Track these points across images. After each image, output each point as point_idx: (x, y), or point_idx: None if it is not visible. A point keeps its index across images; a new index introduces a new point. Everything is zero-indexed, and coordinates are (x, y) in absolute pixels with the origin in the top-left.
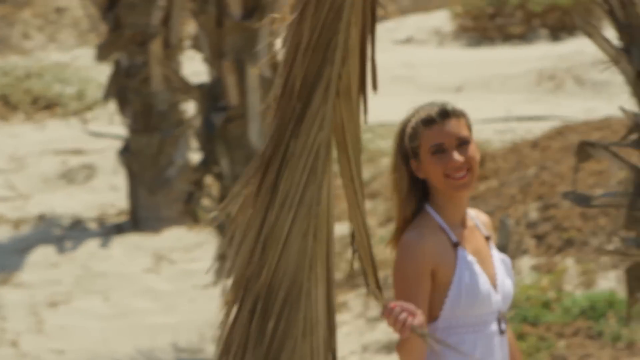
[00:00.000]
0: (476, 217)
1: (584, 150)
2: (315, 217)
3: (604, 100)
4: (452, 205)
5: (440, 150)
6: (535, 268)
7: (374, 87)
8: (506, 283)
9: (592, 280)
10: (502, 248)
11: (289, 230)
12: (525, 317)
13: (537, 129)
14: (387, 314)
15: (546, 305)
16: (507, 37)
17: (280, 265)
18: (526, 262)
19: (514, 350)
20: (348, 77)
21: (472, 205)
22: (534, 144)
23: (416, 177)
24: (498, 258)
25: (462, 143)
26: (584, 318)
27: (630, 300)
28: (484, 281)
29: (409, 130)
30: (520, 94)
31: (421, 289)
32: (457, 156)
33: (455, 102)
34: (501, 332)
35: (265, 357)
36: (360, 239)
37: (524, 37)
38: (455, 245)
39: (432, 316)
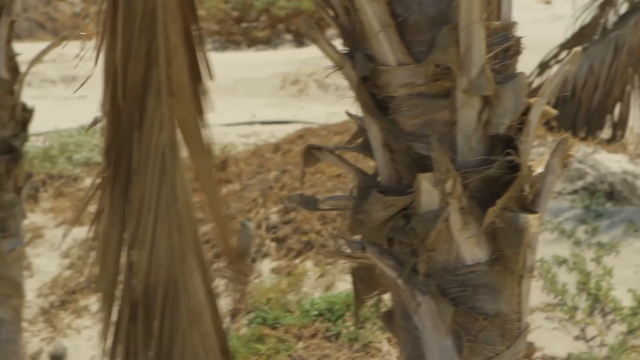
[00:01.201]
0: None
1: (311, 154)
2: (176, 214)
3: (346, 105)
4: None
5: None
6: (276, 271)
7: (209, 79)
8: None
9: (330, 282)
10: (243, 252)
11: (153, 232)
12: (265, 319)
13: (281, 133)
14: None
15: (285, 307)
16: (253, 42)
17: (152, 267)
18: (267, 265)
19: None
20: (177, 76)
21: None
22: (276, 148)
23: None
24: None
25: None
26: (322, 320)
27: (357, 302)
28: None
29: None
30: (265, 98)
31: None
32: None
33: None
34: None
35: (157, 357)
36: (219, 229)
37: (269, 42)
38: None
39: None
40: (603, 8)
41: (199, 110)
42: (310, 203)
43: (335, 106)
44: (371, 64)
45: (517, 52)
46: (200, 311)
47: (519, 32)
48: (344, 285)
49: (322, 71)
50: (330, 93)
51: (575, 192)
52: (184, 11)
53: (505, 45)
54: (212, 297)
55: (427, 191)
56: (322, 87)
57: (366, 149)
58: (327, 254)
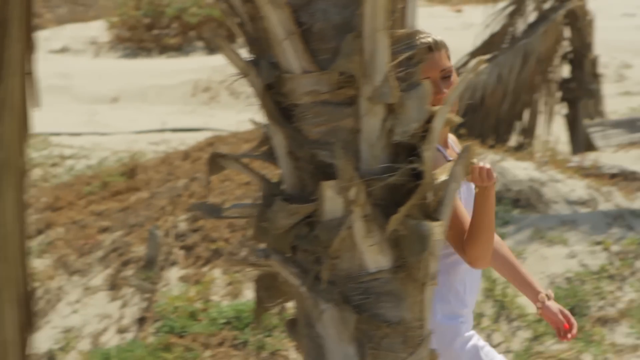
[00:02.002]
0: (449, 137)
1: (216, 162)
2: (2, 239)
3: (256, 113)
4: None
5: None
6: (184, 279)
7: (35, 101)
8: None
9: (238, 290)
10: (151, 260)
11: None
12: (172, 327)
13: (191, 140)
14: (476, 170)
15: (193, 316)
16: (164, 49)
17: None
18: (175, 274)
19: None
20: (11, 92)
21: (120, 217)
22: (186, 156)
23: None
24: (467, 185)
25: (447, 75)
26: (229, 328)
27: (260, 310)
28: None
29: None
30: (175, 105)
31: (457, 200)
32: (443, 88)
33: (111, 112)
34: None
35: None
36: (13, 249)
37: (180, 49)
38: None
39: None
40: (512, 17)
41: (24, 133)
42: (214, 211)
43: (245, 114)
44: (276, 71)
45: (421, 60)
46: (4, 347)
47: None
48: (252, 293)
49: (233, 79)
50: (241, 100)
51: None
52: (27, 27)
53: (409, 53)
54: (25, 332)
55: (331, 199)
56: (233, 94)
57: (271, 156)
58: (231, 262)
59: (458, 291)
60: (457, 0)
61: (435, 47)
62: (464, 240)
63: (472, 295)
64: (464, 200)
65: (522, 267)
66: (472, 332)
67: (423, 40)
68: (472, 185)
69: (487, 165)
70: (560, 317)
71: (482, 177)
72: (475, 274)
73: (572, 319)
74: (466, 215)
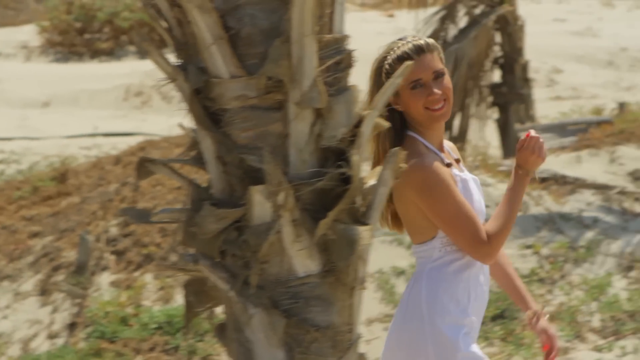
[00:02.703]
0: (445, 143)
1: (144, 167)
2: None
3: (186, 117)
4: (431, 133)
5: (418, 85)
6: (115, 284)
7: None
8: (482, 202)
9: (170, 295)
10: (82, 265)
11: None
12: (103, 333)
13: (123, 145)
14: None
15: (124, 321)
16: (95, 53)
17: None
18: (106, 279)
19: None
20: None
21: (51, 222)
22: (117, 160)
23: (393, 110)
24: (471, 178)
25: (438, 76)
26: (161, 333)
27: (189, 314)
28: (478, 198)
29: (386, 67)
30: (107, 109)
31: (459, 193)
32: (436, 90)
33: (42, 117)
34: None
35: None
36: None
37: (112, 53)
38: (448, 165)
39: (428, 235)
40: (443, 22)
41: None
42: (143, 216)
43: (178, 118)
44: (204, 76)
45: (349, 65)
46: None
47: (362, 45)
48: (183, 298)
49: (164, 83)
50: (174, 105)
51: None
52: None
53: (337, 59)
54: None
55: (260, 203)
56: (165, 99)
57: (200, 161)
58: (160, 267)
59: (460, 301)
60: (388, 5)
61: (427, 49)
62: (479, 232)
63: (477, 304)
64: (464, 193)
65: (518, 278)
66: (475, 349)
67: (415, 43)
68: (476, 178)
69: (541, 138)
70: (543, 337)
71: (533, 149)
72: (481, 282)
73: (555, 341)
74: (472, 210)
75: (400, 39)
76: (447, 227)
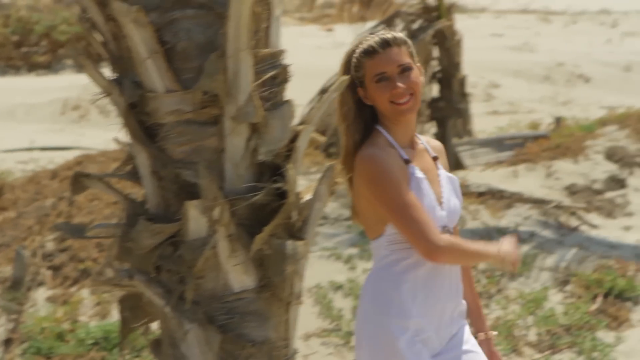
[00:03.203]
0: (426, 141)
1: (79, 181)
2: None
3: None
4: (399, 128)
5: (383, 79)
6: (51, 299)
7: None
8: (452, 200)
9: (106, 310)
10: (18, 280)
11: None
12: (39, 349)
13: (60, 159)
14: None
15: (61, 336)
16: (33, 66)
17: None
18: (42, 294)
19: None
20: None
21: None
22: (54, 174)
23: (363, 104)
24: (445, 177)
25: (405, 70)
26: (97, 349)
27: (125, 330)
28: (430, 198)
29: (353, 60)
30: (45, 123)
31: (406, 187)
32: (400, 84)
33: None
34: None
35: None
36: None
37: (50, 67)
38: (407, 162)
39: (378, 231)
40: None
41: None
42: (77, 231)
43: (115, 132)
44: (139, 90)
45: (285, 80)
46: None
47: (301, 59)
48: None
49: (100, 97)
50: (112, 119)
51: (351, 217)
52: None
53: (272, 73)
54: None
55: (195, 218)
56: (103, 113)
57: (135, 176)
58: (96, 283)
59: (403, 302)
60: (327, 19)
61: (394, 43)
62: (425, 228)
63: (425, 307)
64: (416, 191)
65: (478, 297)
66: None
67: (382, 36)
68: (454, 177)
69: (518, 254)
70: None
71: (513, 265)
72: (437, 284)
73: None
74: (420, 207)
75: (370, 33)
76: (394, 219)
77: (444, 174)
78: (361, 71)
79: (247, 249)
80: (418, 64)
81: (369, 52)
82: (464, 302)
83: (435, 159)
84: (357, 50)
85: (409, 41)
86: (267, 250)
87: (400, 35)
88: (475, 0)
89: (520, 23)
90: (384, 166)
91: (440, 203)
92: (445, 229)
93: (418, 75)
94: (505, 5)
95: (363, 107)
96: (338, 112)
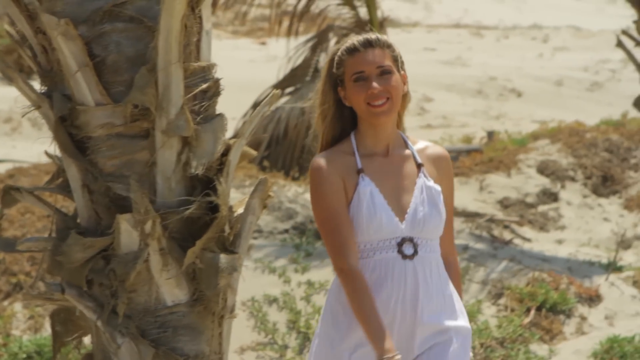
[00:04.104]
0: (422, 147)
1: (9, 195)
2: None
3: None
4: (374, 132)
5: (361, 78)
6: None
7: None
8: (421, 210)
9: (40, 324)
10: None
11: None
12: None
13: None
14: None
15: None
16: None
17: None
18: None
19: (453, 274)
20: None
21: None
22: None
23: (343, 105)
24: (422, 186)
25: (384, 72)
26: None
27: (57, 344)
28: (380, 210)
29: (336, 58)
30: None
31: (338, 202)
32: (375, 84)
33: None
34: (405, 256)
35: None
36: None
37: None
38: (359, 171)
39: None
40: (315, 49)
41: None
42: (8, 245)
43: (47, 145)
44: (69, 103)
45: (216, 93)
46: None
47: (234, 72)
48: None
49: (30, 110)
50: (44, 132)
51: (286, 231)
52: None
53: (204, 87)
54: None
55: (127, 232)
56: (35, 125)
57: (66, 189)
58: (26, 297)
59: (344, 313)
60: (260, 32)
61: (377, 43)
62: (338, 247)
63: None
64: (356, 203)
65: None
66: None
67: (366, 36)
68: (436, 187)
69: None
70: None
71: None
72: (392, 298)
73: None
74: (341, 224)
75: (356, 34)
76: (319, 231)
77: (422, 183)
78: (341, 69)
79: (180, 262)
80: (403, 72)
81: (351, 50)
82: (447, 323)
83: (419, 166)
84: (341, 49)
85: (395, 46)
86: (200, 264)
87: (385, 38)
88: (407, 14)
89: (452, 37)
90: (319, 177)
91: (403, 213)
92: (406, 241)
93: (399, 80)
94: (438, 20)
95: (342, 109)
96: (317, 110)
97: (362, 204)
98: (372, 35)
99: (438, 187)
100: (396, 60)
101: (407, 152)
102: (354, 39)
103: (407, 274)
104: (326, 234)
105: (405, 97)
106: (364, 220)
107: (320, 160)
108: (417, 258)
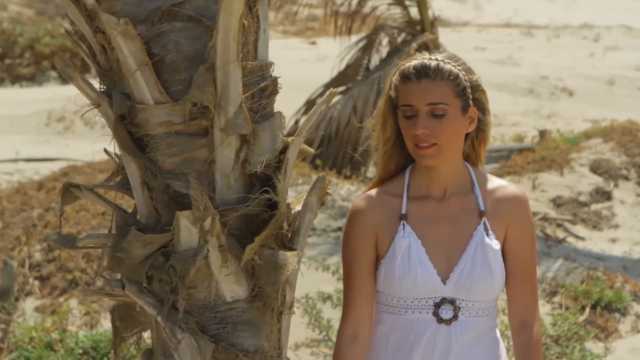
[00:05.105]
0: (490, 190)
1: (69, 192)
2: None
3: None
4: (428, 173)
5: (409, 113)
6: (40, 309)
7: None
8: (469, 270)
9: (95, 320)
10: (6, 290)
11: None
12: (28, 358)
13: (46, 170)
14: None
15: (50, 346)
16: (16, 78)
17: None
18: (30, 304)
19: (525, 343)
20: None
21: None
22: (40, 185)
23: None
24: (477, 241)
25: (436, 113)
26: (86, 358)
27: (116, 340)
28: (416, 264)
29: (393, 80)
30: (29, 135)
31: (359, 259)
32: (422, 124)
33: None
34: (441, 320)
35: None
36: None
37: (34, 79)
38: (402, 217)
39: None
40: (365, 49)
41: None
42: (68, 242)
43: (101, 144)
44: (129, 102)
45: (274, 92)
46: None
47: (285, 71)
48: (109, 323)
49: (87, 109)
50: (97, 130)
51: (339, 229)
52: None
53: (261, 85)
54: None
55: (186, 229)
56: (88, 124)
57: (125, 187)
58: (86, 292)
59: (376, 345)
60: (311, 32)
61: (435, 74)
62: (347, 306)
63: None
64: (389, 257)
65: None
66: None
67: (424, 61)
68: (491, 244)
69: None
70: None
71: None
72: (419, 355)
73: None
74: (355, 281)
75: (423, 52)
76: None
77: (479, 237)
78: (395, 94)
79: (239, 259)
80: (470, 110)
81: (404, 77)
82: None
83: (481, 214)
84: (398, 70)
85: (463, 76)
86: (259, 261)
87: (450, 67)
88: (458, 14)
89: (503, 37)
90: (352, 225)
91: (448, 271)
92: (446, 302)
93: (455, 122)
94: (488, 20)
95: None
96: (378, 134)
97: (396, 258)
98: (432, 62)
99: (496, 246)
100: (462, 94)
101: (471, 196)
102: (412, 62)
103: (437, 339)
104: (345, 287)
105: (481, 132)
106: (396, 277)
107: (361, 204)
108: (455, 323)
